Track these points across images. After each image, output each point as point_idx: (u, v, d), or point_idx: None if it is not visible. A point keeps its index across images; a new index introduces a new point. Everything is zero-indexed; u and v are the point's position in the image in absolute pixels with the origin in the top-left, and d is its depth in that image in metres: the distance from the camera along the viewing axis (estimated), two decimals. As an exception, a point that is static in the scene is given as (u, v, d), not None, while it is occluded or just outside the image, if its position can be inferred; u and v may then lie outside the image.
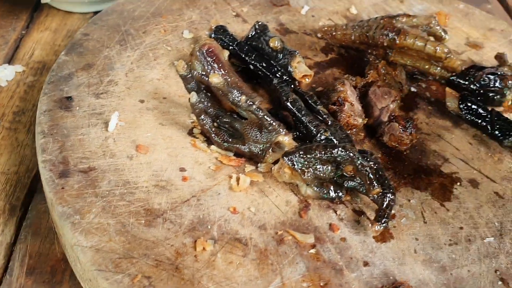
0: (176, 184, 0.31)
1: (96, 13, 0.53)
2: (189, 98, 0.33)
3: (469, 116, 0.39)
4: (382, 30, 0.41)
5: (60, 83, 0.37)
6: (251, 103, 0.32)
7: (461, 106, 0.39)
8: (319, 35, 0.45)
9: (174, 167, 0.32)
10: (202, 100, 0.33)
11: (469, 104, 0.39)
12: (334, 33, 0.43)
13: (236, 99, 0.33)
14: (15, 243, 0.33)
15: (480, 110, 0.39)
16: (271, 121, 0.32)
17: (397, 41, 0.40)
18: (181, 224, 0.29)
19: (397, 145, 0.36)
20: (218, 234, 0.29)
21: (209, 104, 0.34)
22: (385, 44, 0.41)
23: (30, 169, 0.38)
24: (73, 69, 0.38)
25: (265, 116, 0.32)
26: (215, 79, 0.33)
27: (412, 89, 0.42)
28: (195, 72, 0.36)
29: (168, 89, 0.38)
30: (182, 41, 0.42)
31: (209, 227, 0.29)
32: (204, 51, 0.36)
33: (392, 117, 0.37)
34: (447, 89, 0.41)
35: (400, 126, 0.36)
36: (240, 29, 0.45)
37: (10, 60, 0.46)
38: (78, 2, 0.51)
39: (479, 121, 0.39)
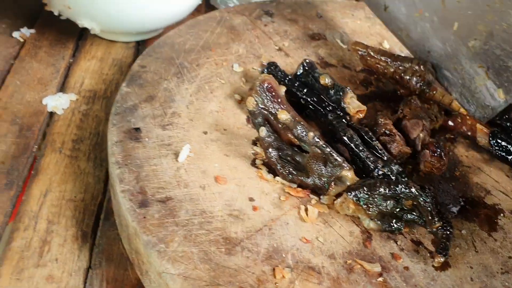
0: (248, 214, 0.33)
1: (137, 42, 0.55)
2: (258, 132, 0.36)
3: (499, 152, 0.42)
4: (414, 78, 0.44)
5: (126, 114, 0.39)
6: (318, 139, 0.34)
7: (492, 142, 0.42)
8: (350, 48, 0.47)
9: (244, 197, 0.34)
10: (270, 134, 0.36)
11: (499, 141, 0.42)
12: (367, 56, 0.45)
13: (302, 134, 0.35)
14: (89, 268, 0.35)
15: (510, 147, 0.42)
16: (336, 157, 0.34)
17: (427, 94, 0.43)
18: (258, 252, 0.31)
19: (431, 170, 0.39)
20: (293, 263, 0.31)
21: (274, 138, 0.36)
22: (416, 92, 0.44)
23: (95, 197, 0.39)
24: (137, 101, 0.40)
25: (331, 152, 0.34)
26: (284, 115, 0.36)
27: (450, 122, 0.45)
28: (259, 107, 0.38)
29: (227, 121, 0.40)
30: (233, 74, 0.45)
31: (283, 255, 0.31)
32: (265, 87, 0.39)
33: (424, 145, 0.40)
34: (478, 125, 0.44)
35: (430, 152, 0.39)
36: (284, 63, 0.47)
37: (62, 88, 0.48)
38: (122, 32, 0.53)
39: (509, 157, 0.42)
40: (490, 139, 0.42)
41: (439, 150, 0.39)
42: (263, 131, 0.36)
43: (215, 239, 0.31)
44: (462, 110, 0.44)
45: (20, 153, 0.41)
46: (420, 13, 0.44)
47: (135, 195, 0.33)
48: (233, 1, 0.58)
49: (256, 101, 0.37)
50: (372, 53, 0.45)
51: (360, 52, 0.45)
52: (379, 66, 0.45)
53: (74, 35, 0.54)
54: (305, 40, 0.51)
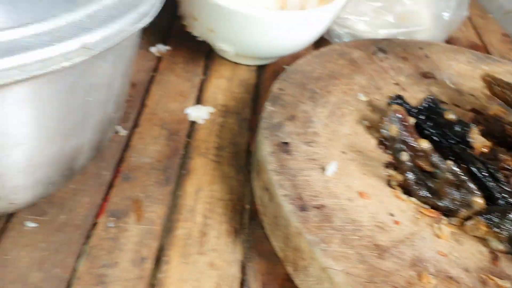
0: (390, 226, 0.38)
1: (258, 66, 0.61)
2: (398, 156, 0.41)
3: None
4: None
5: (274, 130, 0.44)
6: (455, 167, 0.39)
7: None
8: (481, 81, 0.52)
9: (385, 212, 0.39)
10: (410, 158, 0.41)
11: None
12: (496, 87, 0.50)
13: (439, 161, 0.40)
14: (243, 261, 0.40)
15: None
16: (470, 184, 0.39)
17: None
18: (404, 259, 0.36)
19: None
20: (434, 271, 0.36)
21: (412, 164, 0.41)
22: None
23: (240, 198, 0.45)
24: (281, 119, 0.46)
25: (466, 180, 0.39)
26: (425, 144, 0.41)
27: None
28: (397, 135, 0.43)
29: (360, 144, 0.45)
30: (359, 103, 0.50)
31: (425, 264, 0.36)
32: (398, 116, 0.44)
33: None
34: None
35: None
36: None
37: (199, 101, 0.54)
38: (250, 57, 0.59)
39: None
40: None
41: None
42: (405, 156, 0.41)
43: (367, 245, 0.36)
44: None
45: (172, 154, 0.47)
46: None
47: (294, 200, 0.38)
48: (346, 36, 0.63)
49: (398, 129, 0.42)
50: (503, 85, 0.49)
51: (490, 84, 0.50)
52: (508, 98, 0.49)
53: (203, 55, 0.61)
54: (417, 77, 0.56)
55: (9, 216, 0.39)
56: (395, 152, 0.43)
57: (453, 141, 0.45)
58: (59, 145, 0.36)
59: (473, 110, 0.53)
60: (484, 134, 0.50)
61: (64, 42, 0.30)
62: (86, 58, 0.31)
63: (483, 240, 0.39)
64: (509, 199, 0.40)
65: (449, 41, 0.75)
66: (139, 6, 0.35)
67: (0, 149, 0.33)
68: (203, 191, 0.44)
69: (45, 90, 0.32)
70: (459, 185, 0.40)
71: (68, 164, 0.39)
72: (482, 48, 0.76)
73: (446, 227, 0.39)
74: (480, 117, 0.52)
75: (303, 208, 0.38)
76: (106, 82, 0.38)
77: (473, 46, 0.76)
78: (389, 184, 0.42)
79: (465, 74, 0.59)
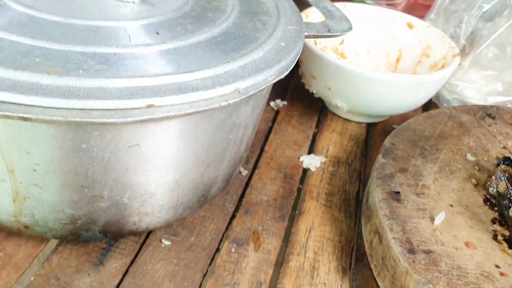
0: (496, 277, 0.40)
1: (368, 124, 0.66)
2: (508, 212, 0.43)
3: None
4: None
5: (386, 180, 0.48)
6: None
7: None
8: None
9: (491, 263, 0.41)
10: (518, 216, 0.42)
11: None
12: None
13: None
14: (350, 295, 0.43)
15: None
16: None
17: None
18: (510, 309, 0.37)
19: None
20: (542, 325, 0.37)
21: (520, 220, 0.43)
22: None
23: (349, 241, 0.48)
24: (393, 170, 0.49)
25: None
26: (534, 202, 0.43)
27: None
28: (505, 192, 0.45)
29: (467, 200, 0.47)
30: (467, 162, 0.52)
31: (532, 317, 0.37)
32: (506, 176, 0.46)
33: None
34: None
35: None
36: (509, 159, 0.54)
37: (311, 151, 0.59)
38: (362, 114, 0.64)
39: None
40: None
41: None
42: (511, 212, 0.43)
43: (473, 291, 0.38)
44: None
45: (287, 194, 0.52)
46: None
47: (403, 243, 0.41)
48: (455, 101, 0.67)
49: (507, 186, 0.45)
50: None
51: None
52: None
53: (317, 111, 0.66)
54: (525, 143, 0.58)
55: (149, 233, 0.46)
56: (503, 208, 0.45)
57: None
58: (201, 173, 0.43)
59: None
60: None
61: (222, 87, 0.37)
62: (237, 100, 0.37)
63: None
64: None
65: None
66: (281, 62, 0.41)
67: (158, 171, 0.40)
68: (314, 230, 0.49)
69: (201, 124, 0.39)
70: None
71: (204, 191, 0.45)
72: None
73: (554, 285, 0.40)
74: None
75: (411, 251, 0.41)
76: (244, 123, 0.44)
77: None
78: (495, 238, 0.44)
79: None
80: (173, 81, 0.36)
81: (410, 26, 0.68)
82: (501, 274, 0.40)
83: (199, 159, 0.42)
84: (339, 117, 0.66)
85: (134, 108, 0.34)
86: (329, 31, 0.51)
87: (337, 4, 0.69)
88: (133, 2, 0.43)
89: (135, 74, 0.35)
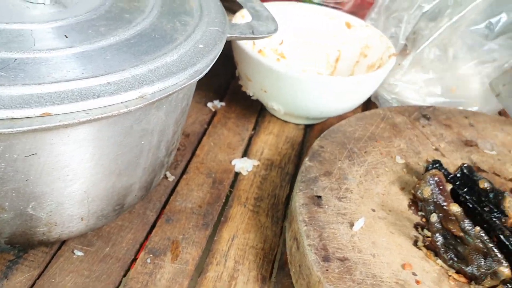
0: (411, 285, 0.39)
1: (306, 126, 0.65)
2: (429, 218, 0.42)
3: None
4: None
5: (309, 183, 0.47)
6: (483, 234, 0.40)
7: None
8: None
9: (407, 271, 0.40)
10: (439, 221, 0.42)
11: None
12: None
13: (468, 227, 0.41)
14: (267, 305, 0.42)
15: None
16: (497, 253, 0.39)
17: None
18: (421, 318, 0.37)
19: None
20: (451, 334, 0.36)
21: (441, 226, 0.42)
22: None
23: (272, 248, 0.47)
24: (317, 174, 0.48)
25: (493, 248, 0.39)
26: (455, 208, 0.42)
27: None
28: (433, 196, 0.44)
29: (391, 204, 0.47)
30: (395, 165, 0.52)
31: (443, 326, 0.36)
32: (435, 180, 0.45)
33: None
34: None
35: None
36: (439, 162, 0.53)
37: (245, 154, 0.58)
38: (298, 116, 0.62)
39: None
40: None
41: None
42: (435, 217, 0.42)
43: (385, 300, 0.37)
44: None
45: (214, 201, 0.51)
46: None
47: (319, 250, 0.40)
48: (393, 101, 0.66)
49: (432, 191, 0.44)
50: None
51: None
52: None
53: (255, 112, 0.65)
54: (459, 144, 0.57)
55: (61, 244, 0.44)
56: (427, 214, 0.44)
57: (487, 209, 0.46)
58: (112, 182, 0.41)
59: (513, 180, 0.53)
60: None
61: (126, 92, 0.35)
62: (140, 106, 0.36)
63: (508, 309, 0.39)
64: (537, 269, 0.40)
65: (503, 113, 0.75)
66: (196, 65, 0.40)
67: (61, 181, 0.38)
68: (238, 238, 0.47)
69: (104, 131, 0.37)
70: (486, 253, 0.40)
71: (119, 200, 0.43)
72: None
73: (470, 292, 0.39)
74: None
75: (326, 258, 0.40)
76: (159, 129, 0.42)
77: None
78: (415, 244, 0.43)
79: (510, 145, 0.59)
80: (73, 88, 0.34)
81: (348, 25, 0.68)
82: (417, 282, 0.39)
83: (108, 168, 0.40)
84: (278, 118, 0.65)
85: (27, 117, 0.32)
86: (253, 32, 0.49)
87: (278, 3, 0.68)
88: (44, 4, 0.41)
89: (34, 81, 0.34)
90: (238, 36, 0.48)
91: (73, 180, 0.39)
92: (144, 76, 0.37)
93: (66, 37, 0.39)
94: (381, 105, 0.67)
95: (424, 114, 0.61)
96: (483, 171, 0.54)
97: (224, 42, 0.45)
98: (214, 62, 0.42)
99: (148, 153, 0.43)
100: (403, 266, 0.40)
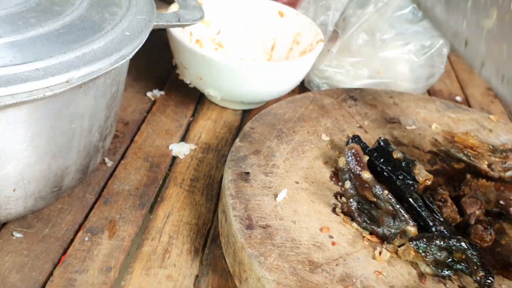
0: (328, 246, 0.43)
1: (243, 110, 0.68)
2: (344, 185, 0.46)
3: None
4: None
5: (239, 161, 0.50)
6: (391, 197, 0.44)
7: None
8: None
9: (325, 234, 0.44)
10: (352, 187, 0.45)
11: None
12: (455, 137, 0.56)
13: (379, 192, 0.45)
14: (198, 276, 0.45)
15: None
16: (404, 214, 0.43)
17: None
18: (334, 275, 0.40)
19: (479, 241, 0.46)
20: (361, 287, 0.40)
21: (355, 192, 0.46)
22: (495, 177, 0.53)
23: (206, 223, 0.50)
24: (247, 153, 0.51)
25: (400, 209, 0.43)
26: (366, 175, 0.46)
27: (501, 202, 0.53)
28: (347, 166, 0.48)
29: (315, 176, 0.50)
30: (321, 142, 0.56)
31: (354, 280, 0.40)
32: (352, 152, 0.49)
33: (477, 221, 0.48)
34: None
35: (482, 227, 0.47)
36: (363, 138, 0.57)
37: (183, 139, 0.61)
38: (234, 102, 0.66)
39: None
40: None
41: (489, 227, 0.47)
42: (348, 184, 0.46)
43: (302, 260, 0.41)
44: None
45: (150, 183, 0.53)
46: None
47: (243, 220, 0.43)
48: (324, 85, 0.70)
49: (346, 161, 0.48)
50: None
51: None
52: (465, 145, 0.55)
53: (194, 100, 0.68)
54: (382, 122, 0.61)
55: (1, 226, 0.46)
56: (343, 181, 0.48)
57: (401, 177, 0.50)
58: (47, 164, 0.43)
59: (430, 151, 0.58)
60: (438, 173, 0.55)
61: (53, 77, 0.37)
62: (65, 89, 0.38)
63: (415, 264, 0.43)
64: (440, 227, 0.44)
65: (430, 93, 0.81)
66: (121, 51, 0.42)
67: (-6, 163, 0.40)
68: (173, 215, 0.50)
69: (35, 115, 0.39)
70: (395, 214, 0.44)
71: (56, 182, 0.45)
72: (463, 100, 0.81)
73: (387, 252, 0.43)
74: (436, 157, 0.57)
75: (249, 227, 0.43)
76: (89, 113, 0.45)
77: (453, 98, 0.81)
78: (334, 210, 0.47)
79: (431, 120, 0.64)
80: (2, 74, 0.36)
81: (281, 14, 0.71)
82: (333, 243, 0.43)
83: (42, 150, 0.42)
84: (216, 105, 0.68)
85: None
86: (179, 20, 0.52)
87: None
88: (-27, -3, 0.43)
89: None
90: (164, 24, 0.51)
91: (6, 162, 0.41)
92: (71, 62, 0.39)
93: (-5, 28, 0.40)
94: (312, 89, 0.71)
95: (352, 95, 0.65)
96: (404, 145, 0.58)
97: (150, 29, 0.48)
98: (139, 47, 0.45)
99: (80, 137, 0.45)
100: (321, 229, 0.44)
